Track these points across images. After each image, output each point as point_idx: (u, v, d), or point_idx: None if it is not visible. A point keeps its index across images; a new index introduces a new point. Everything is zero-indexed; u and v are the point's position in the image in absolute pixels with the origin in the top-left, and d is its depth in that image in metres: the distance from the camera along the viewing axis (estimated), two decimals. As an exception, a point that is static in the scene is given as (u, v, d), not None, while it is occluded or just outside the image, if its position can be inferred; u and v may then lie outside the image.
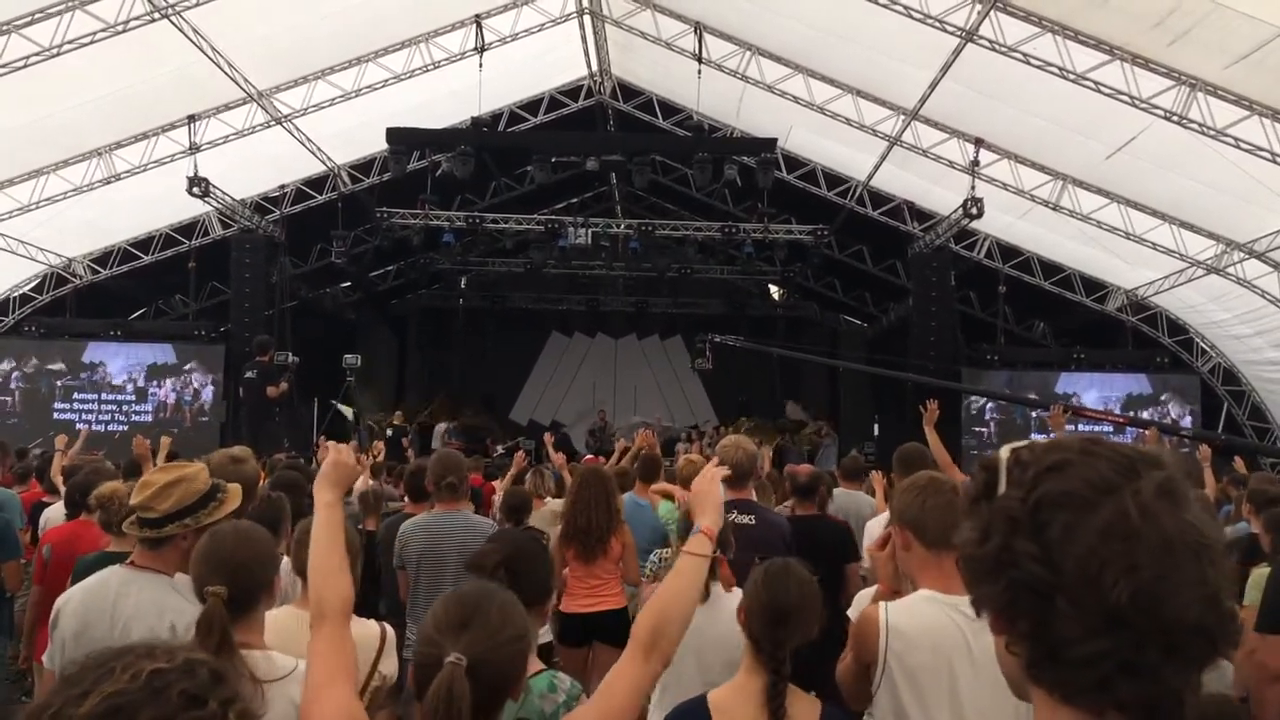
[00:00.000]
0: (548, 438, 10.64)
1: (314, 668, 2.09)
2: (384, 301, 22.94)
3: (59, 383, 17.21)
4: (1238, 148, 11.04)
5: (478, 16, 13.91)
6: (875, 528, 5.03)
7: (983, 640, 2.67)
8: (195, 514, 3.21)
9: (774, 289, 23.92)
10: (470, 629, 1.90)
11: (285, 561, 3.63)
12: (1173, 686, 1.02)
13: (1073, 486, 1.05)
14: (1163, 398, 17.46)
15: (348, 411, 15.47)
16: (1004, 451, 1.14)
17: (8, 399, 17.08)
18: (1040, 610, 1.04)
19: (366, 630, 3.21)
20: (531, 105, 16.97)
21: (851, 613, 3.66)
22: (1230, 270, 14.13)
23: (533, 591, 2.89)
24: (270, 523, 3.96)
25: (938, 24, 11.30)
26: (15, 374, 17.08)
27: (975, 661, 2.64)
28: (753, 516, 4.80)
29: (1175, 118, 11.03)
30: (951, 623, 2.67)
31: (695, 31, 14.00)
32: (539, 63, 15.84)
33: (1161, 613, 0.99)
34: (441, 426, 19.50)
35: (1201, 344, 17.32)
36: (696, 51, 14.10)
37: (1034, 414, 16.95)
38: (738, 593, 3.61)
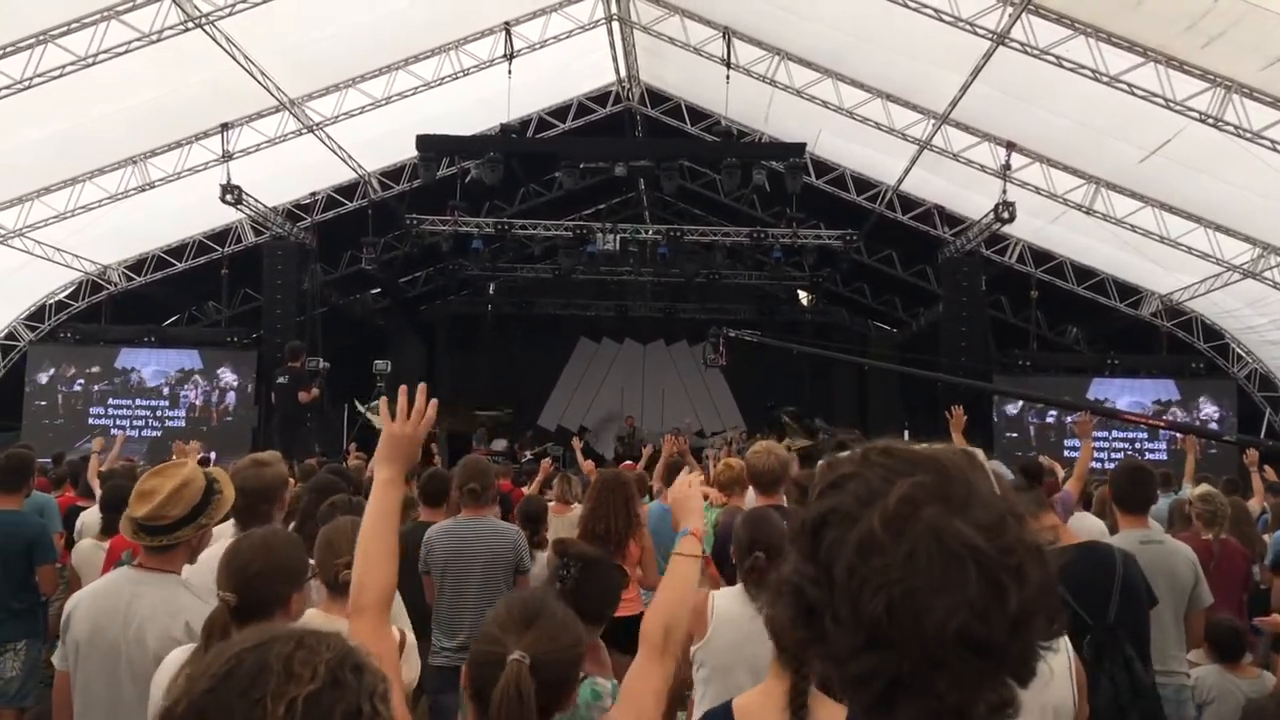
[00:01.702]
0: (576, 442, 10.64)
1: None
2: (413, 307, 23.07)
3: (95, 387, 17.43)
4: (1274, 150, 10.92)
5: (507, 24, 13.97)
6: None
7: None
8: (206, 511, 3.25)
9: (802, 294, 23.82)
10: (533, 628, 1.91)
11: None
12: (953, 703, 0.96)
13: (842, 501, 1.02)
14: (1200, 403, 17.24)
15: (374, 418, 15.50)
16: (818, 468, 1.11)
17: (44, 402, 17.32)
18: (820, 631, 1.01)
19: None
20: (560, 111, 17.03)
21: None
22: (1267, 275, 13.94)
23: (594, 603, 2.92)
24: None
25: (969, 27, 11.23)
26: (58, 380, 17.32)
27: None
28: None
29: (1210, 120, 10.91)
30: None
31: (724, 37, 13.99)
32: (568, 69, 15.88)
33: (919, 626, 0.93)
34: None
35: (1238, 349, 17.09)
36: (725, 57, 14.08)
37: (1068, 419, 16.80)
38: None
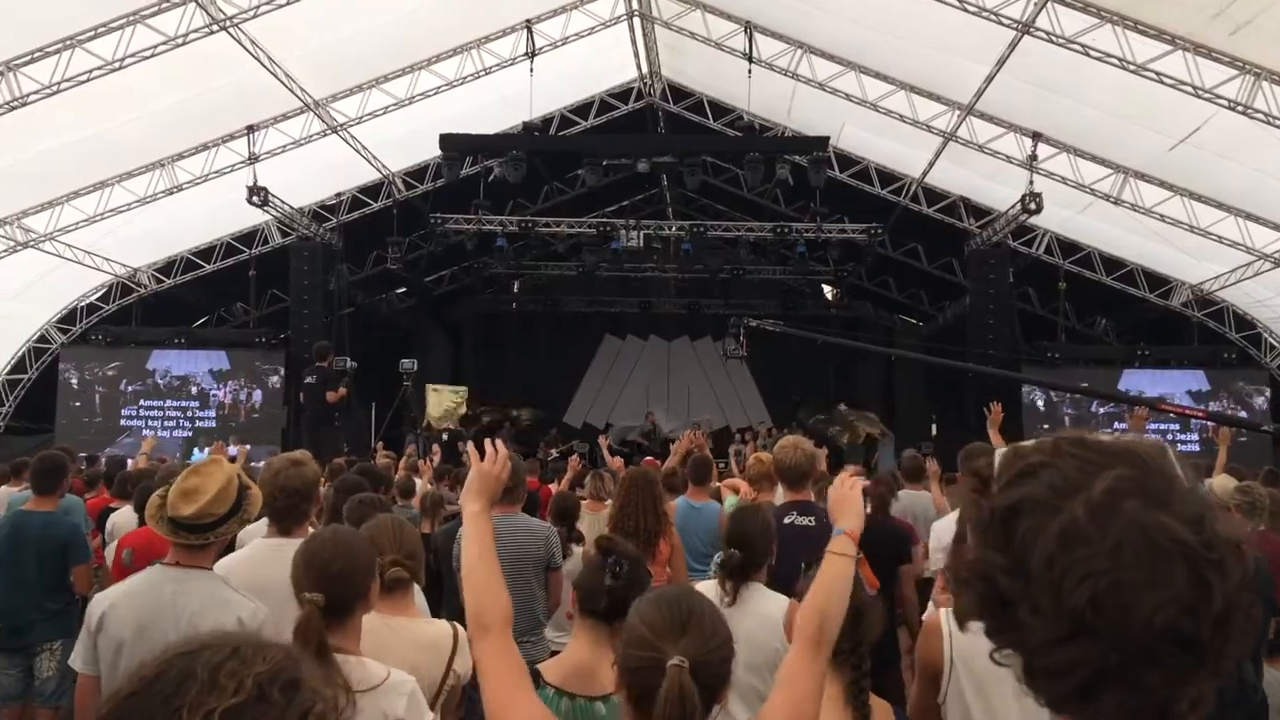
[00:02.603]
0: (603, 440, 10.66)
1: (492, 681, 2.14)
2: (439, 306, 23.14)
3: (128, 389, 17.62)
4: (1306, 136, 10.78)
5: (528, 22, 13.99)
6: (943, 530, 4.96)
7: None
8: (244, 507, 3.29)
9: (827, 289, 23.73)
10: (689, 633, 1.91)
11: None
12: (1159, 698, 0.95)
13: (1036, 491, 1.01)
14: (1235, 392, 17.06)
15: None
16: (996, 457, 1.11)
17: (76, 404, 17.52)
18: (1013, 620, 1.00)
19: (438, 630, 3.23)
20: (582, 109, 17.03)
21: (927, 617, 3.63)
22: (1300, 263, 13.79)
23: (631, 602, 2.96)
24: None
25: (993, 16, 11.15)
26: (91, 382, 17.52)
27: None
28: (812, 518, 4.76)
29: (1239, 107, 10.79)
30: None
31: (745, 31, 13.94)
32: (589, 66, 15.89)
33: (1127, 618, 0.93)
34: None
35: (1270, 339, 16.89)
36: (747, 51, 14.03)
37: (1100, 410, 16.69)
38: (769, 596, 3.59)
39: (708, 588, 3.66)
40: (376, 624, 3.14)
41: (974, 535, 1.06)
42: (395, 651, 3.06)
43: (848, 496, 2.63)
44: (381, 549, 3.20)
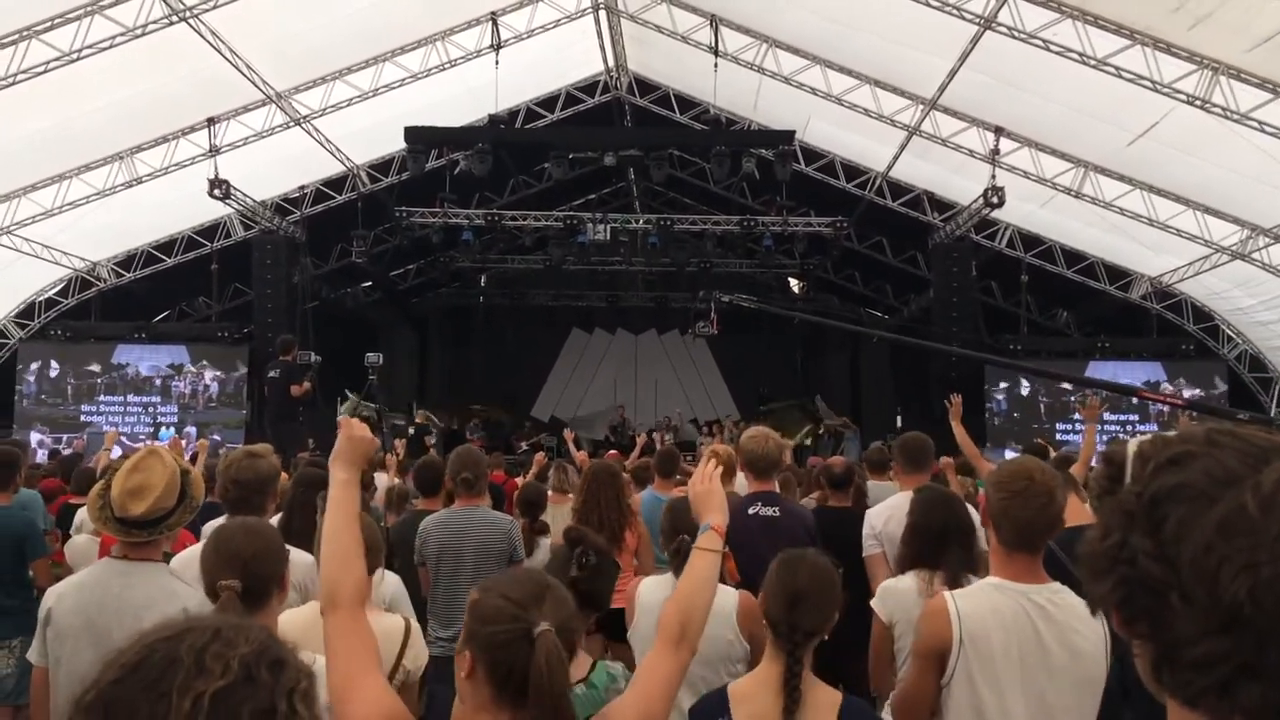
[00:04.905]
0: (568, 434, 10.66)
1: (338, 660, 2.00)
2: (405, 300, 23.03)
3: (89, 383, 17.44)
4: (1262, 131, 10.94)
5: (493, 14, 13.92)
6: (875, 516, 5.06)
7: (1052, 627, 2.68)
8: (190, 494, 3.25)
9: (794, 282, 23.82)
10: (547, 600, 1.93)
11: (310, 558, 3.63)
12: None
13: (1191, 479, 0.99)
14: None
15: (354, 405, 15.46)
16: (1130, 445, 1.08)
17: (42, 396, 17.31)
18: (1156, 609, 0.98)
19: (389, 624, 3.22)
20: (548, 102, 16.97)
21: (875, 603, 3.66)
22: (1255, 255, 13.98)
23: (601, 592, 3.08)
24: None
25: (955, 11, 11.22)
26: (50, 378, 17.30)
27: (1044, 647, 2.69)
28: (777, 508, 4.78)
29: (1198, 102, 10.92)
30: (1020, 608, 2.73)
31: (711, 24, 13.96)
32: (555, 59, 15.84)
33: None
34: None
35: (1227, 330, 17.16)
36: (713, 44, 14.05)
37: (1071, 399, 16.94)
38: (720, 588, 3.60)
39: (662, 581, 3.69)
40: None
41: (1112, 521, 1.04)
42: None
43: (711, 491, 2.55)
44: None
